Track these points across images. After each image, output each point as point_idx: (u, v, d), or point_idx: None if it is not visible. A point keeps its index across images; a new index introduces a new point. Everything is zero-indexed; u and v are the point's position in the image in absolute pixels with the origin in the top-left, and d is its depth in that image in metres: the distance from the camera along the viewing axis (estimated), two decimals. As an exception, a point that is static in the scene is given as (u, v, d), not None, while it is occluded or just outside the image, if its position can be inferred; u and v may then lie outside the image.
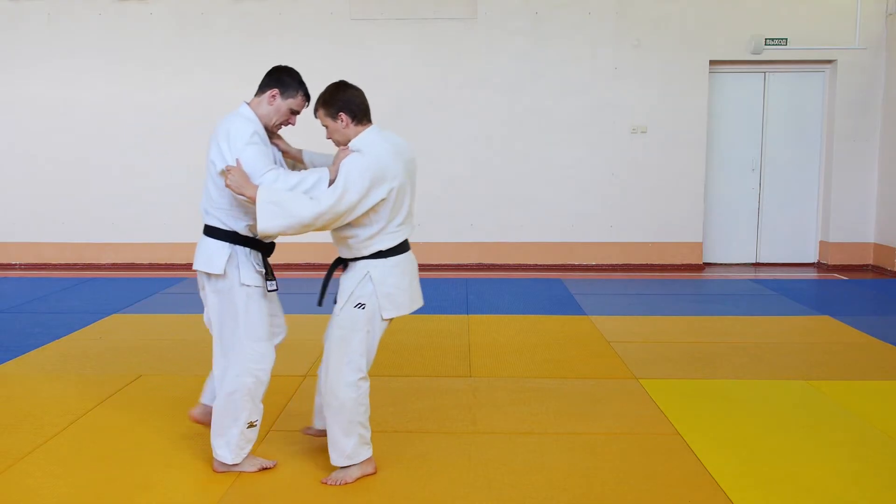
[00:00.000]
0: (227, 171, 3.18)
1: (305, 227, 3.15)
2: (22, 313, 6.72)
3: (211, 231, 3.36)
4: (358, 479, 3.40)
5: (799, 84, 9.15)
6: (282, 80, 3.40)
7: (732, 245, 9.41)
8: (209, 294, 3.39)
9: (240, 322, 3.33)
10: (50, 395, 4.50)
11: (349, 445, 3.34)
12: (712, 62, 8.93)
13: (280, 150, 3.55)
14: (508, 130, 9.00)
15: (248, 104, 3.42)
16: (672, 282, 8.42)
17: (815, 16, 8.84)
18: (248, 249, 3.36)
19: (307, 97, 3.46)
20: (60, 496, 3.26)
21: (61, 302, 7.20)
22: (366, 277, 3.26)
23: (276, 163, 3.38)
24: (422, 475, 3.47)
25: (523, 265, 9.14)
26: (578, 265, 9.14)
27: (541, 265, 9.15)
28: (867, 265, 9.16)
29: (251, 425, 3.39)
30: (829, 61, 8.97)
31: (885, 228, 8.93)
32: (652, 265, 9.11)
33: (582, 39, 8.88)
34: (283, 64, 3.50)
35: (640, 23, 8.86)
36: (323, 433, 3.53)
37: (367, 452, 3.41)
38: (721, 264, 9.37)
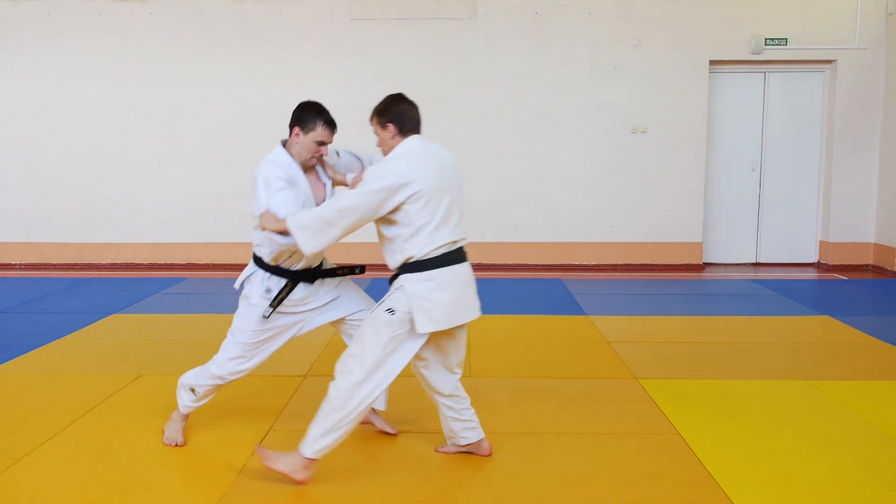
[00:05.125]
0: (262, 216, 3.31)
1: (330, 227, 3.14)
2: (22, 313, 6.72)
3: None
4: (280, 473, 3.26)
5: (799, 84, 9.15)
6: (300, 116, 3.43)
7: (732, 245, 9.41)
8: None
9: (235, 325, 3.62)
10: (50, 395, 4.49)
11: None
12: (712, 62, 8.93)
13: (329, 177, 3.59)
14: (508, 130, 9.00)
15: (283, 145, 3.48)
16: (672, 282, 8.42)
17: (815, 16, 8.83)
18: (268, 273, 3.51)
19: (330, 124, 3.45)
20: (60, 496, 3.26)
21: (61, 302, 7.19)
22: (399, 290, 3.28)
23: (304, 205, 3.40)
24: (422, 475, 3.47)
25: (523, 265, 9.14)
26: (578, 265, 9.14)
27: (541, 265, 9.14)
28: (867, 265, 9.16)
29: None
30: (829, 61, 8.97)
31: (885, 228, 8.93)
32: (652, 265, 9.11)
33: (582, 39, 8.88)
34: (307, 100, 3.50)
35: (640, 23, 8.86)
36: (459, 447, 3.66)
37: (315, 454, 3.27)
38: (721, 264, 9.37)
